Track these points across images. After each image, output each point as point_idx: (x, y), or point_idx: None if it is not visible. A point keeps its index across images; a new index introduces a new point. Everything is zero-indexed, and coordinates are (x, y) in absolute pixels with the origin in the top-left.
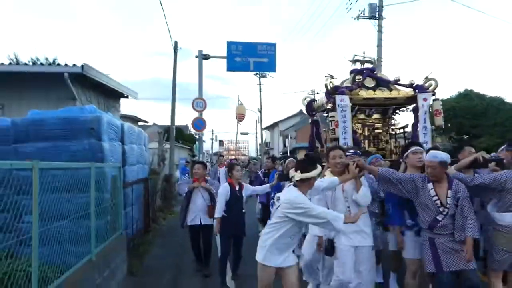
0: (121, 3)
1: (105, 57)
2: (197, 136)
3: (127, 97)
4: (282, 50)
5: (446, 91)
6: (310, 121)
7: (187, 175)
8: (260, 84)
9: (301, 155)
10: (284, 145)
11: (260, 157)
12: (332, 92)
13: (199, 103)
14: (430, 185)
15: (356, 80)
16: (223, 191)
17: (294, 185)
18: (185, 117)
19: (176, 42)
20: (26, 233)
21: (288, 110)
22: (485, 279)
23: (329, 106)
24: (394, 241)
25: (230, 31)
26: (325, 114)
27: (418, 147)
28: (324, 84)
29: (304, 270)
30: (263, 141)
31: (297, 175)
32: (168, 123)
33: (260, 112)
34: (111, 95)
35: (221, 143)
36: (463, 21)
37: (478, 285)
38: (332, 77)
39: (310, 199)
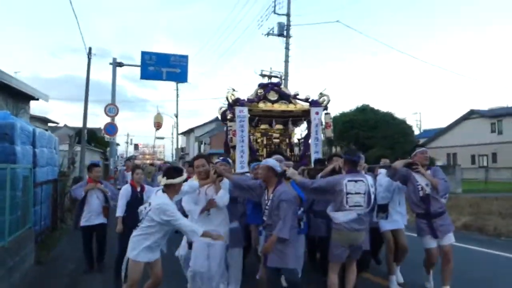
0: None
1: (12, 53)
2: (109, 140)
3: (37, 99)
4: (201, 58)
5: (348, 105)
6: (224, 129)
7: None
8: (177, 90)
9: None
10: (199, 151)
11: (175, 161)
12: (233, 104)
13: (112, 109)
14: (266, 189)
15: (258, 94)
16: (124, 192)
17: (163, 191)
18: (99, 119)
19: (90, 48)
20: None
21: (204, 116)
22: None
23: (229, 116)
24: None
25: (147, 37)
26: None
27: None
28: (225, 97)
29: (183, 265)
30: (179, 146)
31: (163, 181)
32: (80, 124)
33: (177, 117)
34: (20, 97)
35: (136, 146)
36: (361, 43)
37: (297, 281)
38: (233, 90)
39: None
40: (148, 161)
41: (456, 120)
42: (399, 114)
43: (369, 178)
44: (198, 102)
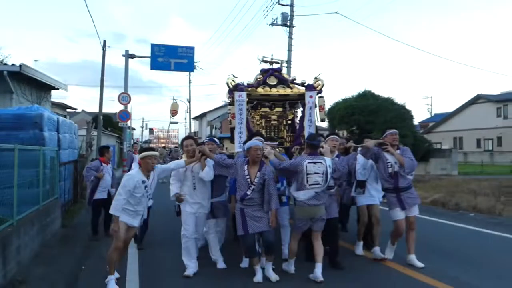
0: None
1: (30, 38)
2: (122, 126)
3: (57, 89)
4: (212, 45)
5: (350, 91)
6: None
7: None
8: (189, 77)
9: (225, 144)
10: (211, 135)
11: None
12: (233, 89)
13: (125, 97)
14: (245, 167)
15: (258, 79)
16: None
17: (140, 166)
18: (115, 104)
19: (105, 41)
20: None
21: (216, 101)
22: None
23: (229, 100)
24: None
25: (161, 21)
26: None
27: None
28: (226, 83)
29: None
30: (192, 131)
31: (137, 156)
32: (97, 110)
33: (189, 102)
34: (43, 87)
35: (151, 131)
36: (363, 33)
37: (272, 241)
38: (234, 76)
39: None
40: (162, 145)
41: (463, 104)
42: (402, 100)
43: (328, 160)
44: (211, 87)
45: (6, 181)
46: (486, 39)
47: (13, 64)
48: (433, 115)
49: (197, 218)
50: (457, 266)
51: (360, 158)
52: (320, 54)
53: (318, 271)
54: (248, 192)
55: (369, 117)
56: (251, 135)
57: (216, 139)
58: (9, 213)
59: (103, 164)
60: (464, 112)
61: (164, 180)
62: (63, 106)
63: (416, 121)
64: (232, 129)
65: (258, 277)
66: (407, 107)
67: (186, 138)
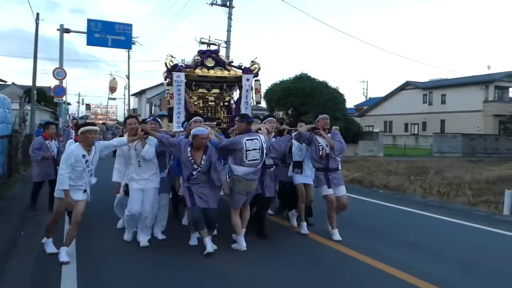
0: None
1: None
2: (57, 101)
3: None
4: (152, 20)
5: (288, 73)
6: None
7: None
8: (128, 54)
9: (164, 122)
10: (151, 112)
11: None
12: (171, 69)
13: (60, 72)
14: (189, 149)
15: (196, 60)
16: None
17: (80, 142)
18: (48, 77)
19: (38, 14)
20: None
21: (157, 78)
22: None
23: (167, 80)
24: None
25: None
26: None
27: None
28: (164, 63)
29: (115, 208)
30: (131, 107)
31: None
32: (29, 82)
33: (128, 79)
34: None
35: (88, 106)
36: (303, 18)
37: (213, 217)
38: (172, 56)
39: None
40: (100, 121)
41: (394, 90)
42: (339, 83)
43: (262, 137)
44: (151, 64)
45: None
46: (421, 30)
47: None
48: (368, 99)
49: (145, 193)
50: (359, 234)
51: (295, 141)
52: (259, 36)
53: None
54: (194, 173)
55: (304, 99)
56: (190, 115)
57: (158, 119)
58: None
59: (47, 140)
60: (395, 98)
61: (103, 156)
62: None
63: (352, 104)
64: (170, 109)
65: (209, 248)
66: (341, 91)
67: (130, 117)
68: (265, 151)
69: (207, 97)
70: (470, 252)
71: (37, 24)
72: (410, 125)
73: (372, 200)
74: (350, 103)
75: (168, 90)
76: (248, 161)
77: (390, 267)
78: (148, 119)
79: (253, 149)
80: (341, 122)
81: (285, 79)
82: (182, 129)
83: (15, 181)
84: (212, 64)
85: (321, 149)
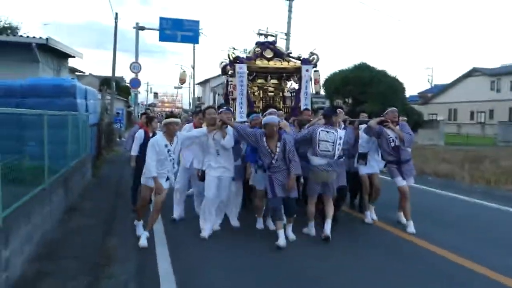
0: None
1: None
2: (133, 93)
3: (74, 57)
4: (216, 13)
5: (347, 62)
6: (225, 82)
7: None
8: (194, 48)
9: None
10: (214, 101)
11: (192, 109)
12: (234, 61)
13: (136, 66)
14: (264, 139)
15: (256, 52)
16: (138, 135)
17: (164, 132)
18: (120, 67)
19: (116, 14)
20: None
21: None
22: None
23: (230, 72)
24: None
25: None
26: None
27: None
28: (227, 55)
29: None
30: (195, 96)
31: (163, 122)
32: (104, 73)
33: (193, 69)
34: (62, 56)
35: (155, 95)
36: (362, 8)
37: (293, 206)
38: (234, 48)
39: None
40: (167, 109)
41: (459, 77)
42: (401, 71)
43: (340, 132)
44: (215, 53)
45: (62, 139)
46: (491, 12)
47: (40, 37)
48: (433, 86)
49: (220, 181)
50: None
51: (363, 134)
52: (318, 27)
53: (327, 226)
54: (273, 162)
55: (363, 88)
56: (266, 106)
57: (231, 108)
58: (65, 162)
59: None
60: (460, 85)
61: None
62: (72, 70)
63: (415, 92)
64: (229, 99)
65: (281, 242)
66: (405, 78)
67: (208, 107)
68: (338, 146)
69: (266, 87)
70: None
71: (116, 23)
72: (476, 113)
73: (418, 185)
74: (414, 91)
75: (231, 81)
76: (321, 151)
77: (478, 264)
78: (221, 110)
79: (326, 141)
80: (399, 111)
81: (344, 69)
82: (245, 119)
83: (101, 163)
84: (271, 55)
85: (391, 141)
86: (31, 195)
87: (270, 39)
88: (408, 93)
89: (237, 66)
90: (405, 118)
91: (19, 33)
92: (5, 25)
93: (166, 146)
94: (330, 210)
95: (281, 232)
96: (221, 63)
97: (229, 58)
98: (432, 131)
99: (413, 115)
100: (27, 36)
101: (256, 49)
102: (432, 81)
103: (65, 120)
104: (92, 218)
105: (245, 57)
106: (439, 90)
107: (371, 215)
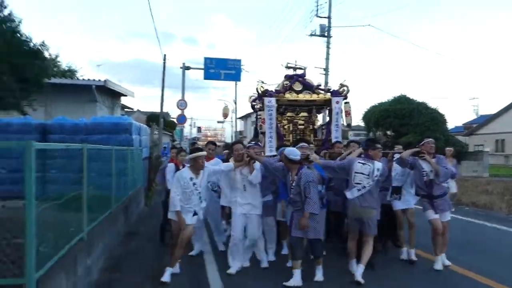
0: None
1: (82, 37)
2: (179, 128)
3: (126, 95)
4: (257, 51)
5: (387, 95)
6: (254, 116)
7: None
8: (235, 85)
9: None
10: (254, 138)
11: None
12: (262, 95)
13: (182, 104)
14: (289, 173)
15: (284, 85)
16: (169, 168)
17: (190, 166)
18: (166, 102)
19: (165, 55)
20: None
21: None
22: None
23: (259, 106)
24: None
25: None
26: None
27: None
28: (255, 88)
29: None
30: (237, 130)
31: (188, 156)
32: (150, 109)
33: (235, 103)
34: (116, 95)
35: (199, 129)
36: (398, 43)
37: (317, 247)
38: (262, 82)
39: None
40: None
41: (506, 106)
42: (444, 103)
43: (377, 164)
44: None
45: (123, 171)
46: None
47: (99, 80)
48: (478, 116)
49: (248, 219)
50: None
51: (398, 166)
52: (356, 62)
53: (359, 271)
54: (291, 195)
55: (403, 120)
56: (297, 140)
57: (260, 143)
58: (125, 192)
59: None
60: (507, 114)
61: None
62: (122, 107)
63: (460, 123)
64: (257, 133)
65: (292, 282)
66: (448, 109)
67: (236, 142)
68: (374, 178)
69: (295, 120)
70: None
71: (164, 63)
72: None
73: (454, 215)
74: (459, 122)
75: (260, 115)
76: (355, 183)
77: None
78: (250, 144)
79: (361, 173)
80: (440, 142)
81: (383, 101)
82: (274, 152)
83: (152, 194)
84: (300, 88)
85: (424, 175)
86: (104, 216)
87: (299, 72)
88: (453, 124)
89: (266, 99)
90: (451, 149)
91: (76, 75)
92: (65, 68)
93: (191, 179)
94: (365, 253)
95: (296, 272)
96: (250, 98)
97: (257, 91)
98: (477, 162)
99: (457, 146)
100: (88, 79)
101: (285, 82)
102: (478, 111)
103: (126, 154)
104: (148, 241)
105: (274, 90)
106: (485, 120)
107: (409, 253)
